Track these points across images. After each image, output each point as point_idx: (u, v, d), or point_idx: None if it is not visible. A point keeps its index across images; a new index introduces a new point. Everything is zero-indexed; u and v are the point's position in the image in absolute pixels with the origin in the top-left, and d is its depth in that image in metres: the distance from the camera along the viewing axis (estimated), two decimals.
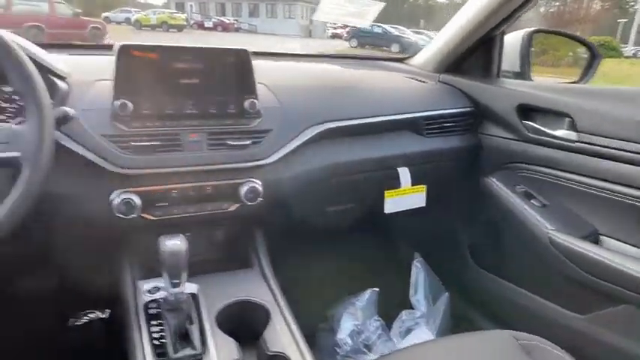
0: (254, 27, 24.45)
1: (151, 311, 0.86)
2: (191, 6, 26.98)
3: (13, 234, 0.69)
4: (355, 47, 13.96)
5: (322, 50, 13.21)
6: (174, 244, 0.78)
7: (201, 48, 0.99)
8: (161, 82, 0.95)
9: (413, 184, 1.28)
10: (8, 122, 0.92)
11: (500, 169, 1.37)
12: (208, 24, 22.89)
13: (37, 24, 10.19)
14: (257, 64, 1.03)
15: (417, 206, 1.31)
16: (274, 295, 0.96)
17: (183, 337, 0.81)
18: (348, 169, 1.19)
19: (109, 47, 1.28)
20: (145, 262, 1.01)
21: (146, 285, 0.92)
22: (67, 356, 1.30)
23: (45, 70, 0.87)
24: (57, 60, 0.94)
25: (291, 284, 1.06)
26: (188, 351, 0.79)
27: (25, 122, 0.71)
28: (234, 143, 0.98)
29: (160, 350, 0.79)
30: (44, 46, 0.97)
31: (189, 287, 0.87)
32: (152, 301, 0.88)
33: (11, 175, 0.71)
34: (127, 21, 22.15)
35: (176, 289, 0.80)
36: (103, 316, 1.50)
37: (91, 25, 12.07)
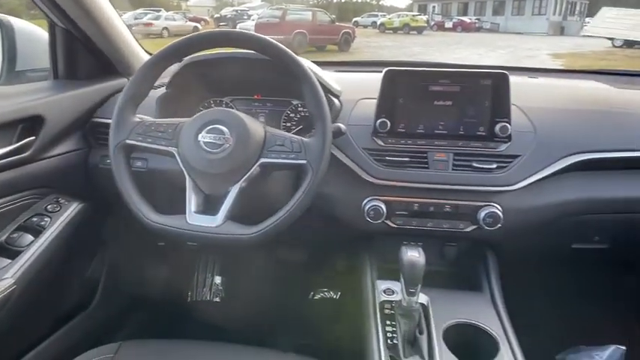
0: (496, 26, 23.11)
1: (386, 311, 0.96)
2: (433, 7, 27.25)
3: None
4: (620, 47, 11.51)
5: (576, 51, 11.51)
6: (414, 255, 0.84)
7: (460, 71, 1.03)
8: (418, 104, 1.04)
9: None
10: (292, 130, 1.16)
11: None
12: (448, 24, 22.75)
13: (301, 31, 11.99)
14: (512, 81, 1.00)
15: None
16: (504, 325, 0.93)
17: (412, 344, 0.88)
18: (607, 207, 1.05)
19: (371, 64, 1.44)
20: (379, 262, 1.12)
21: (382, 285, 1.02)
22: (307, 324, 1.52)
23: (325, 91, 1.02)
24: (330, 78, 1.11)
25: (520, 315, 1.01)
26: (417, 359, 0.85)
27: (312, 136, 0.87)
28: (479, 166, 1.00)
29: (391, 351, 0.87)
30: (319, 64, 1.15)
31: (421, 297, 0.92)
32: (387, 302, 0.98)
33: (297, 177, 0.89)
34: (374, 24, 23.90)
35: (411, 298, 0.85)
36: (334, 296, 1.73)
37: (343, 31, 13.47)
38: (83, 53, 1.20)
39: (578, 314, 1.35)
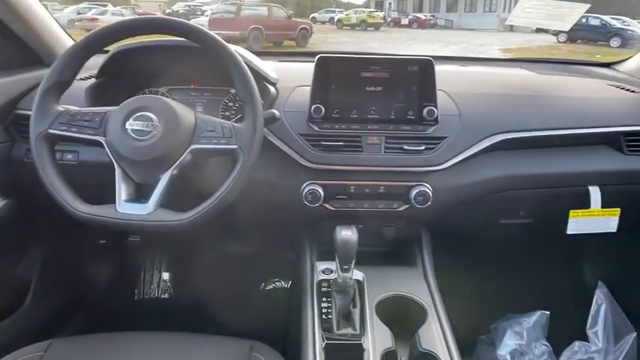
0: (450, 22, 23.75)
1: (323, 289, 0.99)
2: (390, 4, 27.61)
3: (231, 207, 0.87)
4: (564, 42, 12.14)
5: (524, 46, 12.00)
6: (347, 234, 0.88)
7: (389, 58, 1.07)
8: (350, 90, 1.08)
9: (604, 206, 1.14)
10: (231, 119, 1.17)
11: None
12: (404, 21, 23.10)
13: (257, 26, 11.86)
14: (443, 69, 1.06)
15: (607, 231, 1.17)
16: (433, 296, 1.00)
17: (346, 318, 0.92)
18: (527, 183, 1.13)
19: (310, 54, 1.48)
20: (323, 245, 1.15)
21: (321, 266, 1.05)
22: (258, 314, 1.53)
23: (260, 78, 1.07)
24: (269, 67, 1.13)
25: (455, 289, 1.07)
26: (350, 330, 0.89)
27: (243, 121, 0.89)
28: (409, 148, 1.05)
29: (325, 325, 0.91)
30: (259, 54, 1.18)
31: (357, 274, 0.97)
32: (324, 280, 1.01)
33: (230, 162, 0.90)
34: (331, 20, 23.92)
35: (345, 274, 0.89)
36: (286, 285, 1.76)
37: (300, 27, 13.41)
38: (1, 42, 1.15)
39: (509, 285, 1.45)
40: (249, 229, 1.40)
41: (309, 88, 1.08)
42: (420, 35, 17.81)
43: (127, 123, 0.84)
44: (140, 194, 0.86)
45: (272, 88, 1.12)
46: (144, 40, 1.01)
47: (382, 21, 22.10)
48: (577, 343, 1.28)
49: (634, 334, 1.27)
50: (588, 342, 1.27)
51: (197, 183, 1.00)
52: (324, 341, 0.88)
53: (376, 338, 0.88)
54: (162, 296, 1.73)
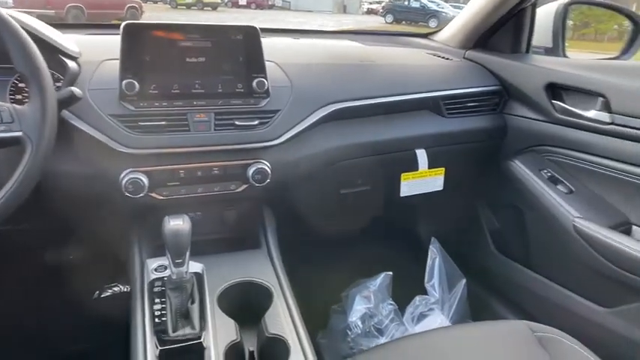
0: (288, 4, 24.26)
1: (156, 289, 0.87)
2: None
3: (32, 210, 0.72)
4: (391, 23, 13.50)
5: (357, 27, 12.93)
6: (177, 224, 0.77)
7: (208, 25, 0.97)
8: (167, 61, 0.94)
9: (431, 167, 1.23)
10: (24, 103, 0.96)
11: (525, 151, 1.30)
12: (242, 1, 22.80)
13: (77, 4, 10.44)
14: (272, 41, 1.01)
15: (435, 190, 1.27)
16: (278, 276, 0.95)
17: (185, 317, 0.82)
18: (362, 151, 1.15)
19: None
20: (155, 240, 1.02)
21: (153, 263, 0.92)
22: (95, 327, 1.34)
23: (55, 51, 0.89)
24: (69, 40, 0.95)
25: (304, 266, 1.05)
26: (187, 330, 0.79)
27: (28, 102, 0.73)
28: (242, 124, 0.97)
29: (159, 328, 0.80)
30: (57, 26, 0.99)
31: (194, 266, 0.87)
32: (157, 279, 0.89)
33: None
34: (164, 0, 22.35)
35: (179, 269, 0.79)
36: (125, 290, 1.55)
37: (128, 5, 12.21)
38: None
39: (356, 253, 1.51)
40: (68, 231, 1.20)
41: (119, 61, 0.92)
42: (258, 16, 17.82)
43: None
44: None
45: (72, 63, 0.93)
46: None
47: (219, 1, 21.45)
48: (417, 298, 1.38)
49: (464, 280, 1.43)
50: (427, 295, 1.38)
51: None
52: (157, 348, 0.77)
53: (218, 333, 0.81)
54: None
